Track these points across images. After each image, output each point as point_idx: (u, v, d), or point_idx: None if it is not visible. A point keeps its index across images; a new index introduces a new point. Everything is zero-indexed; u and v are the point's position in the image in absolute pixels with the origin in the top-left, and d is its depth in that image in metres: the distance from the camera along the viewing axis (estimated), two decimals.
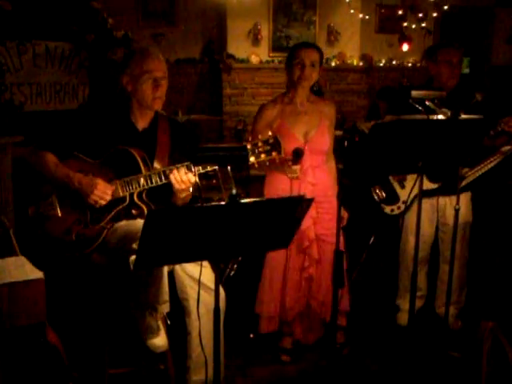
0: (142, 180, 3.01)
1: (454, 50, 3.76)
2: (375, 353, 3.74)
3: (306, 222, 3.43)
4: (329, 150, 3.57)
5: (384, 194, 3.96)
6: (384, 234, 4.37)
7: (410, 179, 3.84)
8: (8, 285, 2.19)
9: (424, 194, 3.41)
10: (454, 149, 2.82)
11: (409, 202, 3.81)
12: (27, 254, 2.56)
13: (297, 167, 3.28)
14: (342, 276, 3.06)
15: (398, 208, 3.93)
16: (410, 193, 3.55)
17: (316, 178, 3.48)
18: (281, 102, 3.56)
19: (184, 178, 2.91)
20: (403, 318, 3.95)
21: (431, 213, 3.88)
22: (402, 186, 3.92)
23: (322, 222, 3.52)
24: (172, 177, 2.93)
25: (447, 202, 3.85)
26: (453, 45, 3.82)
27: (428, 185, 3.70)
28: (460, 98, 3.51)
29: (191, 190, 3.03)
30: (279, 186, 3.53)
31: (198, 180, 2.85)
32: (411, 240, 3.81)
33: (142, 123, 3.20)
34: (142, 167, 3.04)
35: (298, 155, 3.22)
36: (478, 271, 4.58)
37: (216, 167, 2.46)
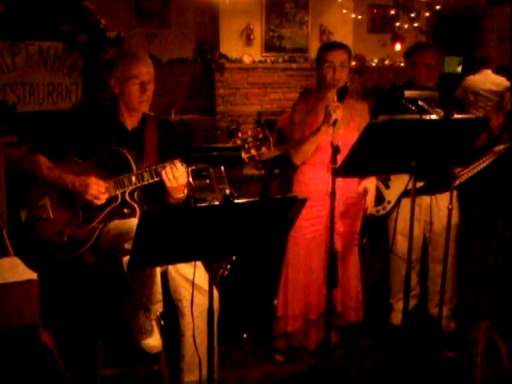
0: (133, 178, 3.01)
1: (431, 52, 3.78)
2: (369, 353, 3.74)
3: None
4: None
5: None
6: (375, 234, 4.37)
7: (394, 179, 3.85)
8: (1, 285, 2.18)
9: (408, 193, 3.43)
10: (448, 148, 2.83)
11: (393, 202, 3.84)
12: (20, 256, 2.55)
13: (340, 104, 3.23)
14: (336, 276, 3.06)
15: (384, 208, 3.94)
16: (401, 194, 3.56)
17: None
18: (313, 97, 3.58)
19: (176, 175, 2.92)
20: (397, 318, 3.95)
21: (417, 212, 3.87)
22: (387, 186, 3.93)
23: (347, 219, 3.51)
24: (163, 173, 2.94)
25: (433, 201, 3.84)
26: (430, 47, 3.84)
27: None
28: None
29: (186, 191, 3.04)
30: (309, 182, 3.53)
31: (191, 180, 2.85)
32: (399, 239, 3.82)
33: (130, 123, 3.21)
34: (134, 166, 3.04)
35: (343, 91, 3.24)
36: (470, 271, 4.59)
37: (210, 167, 2.47)
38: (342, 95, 3.25)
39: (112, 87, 3.14)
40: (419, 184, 3.72)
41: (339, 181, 3.42)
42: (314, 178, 3.51)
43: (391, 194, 3.89)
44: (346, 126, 3.45)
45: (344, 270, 3.59)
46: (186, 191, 3.05)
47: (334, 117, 3.20)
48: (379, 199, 3.94)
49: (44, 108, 4.76)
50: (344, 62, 3.44)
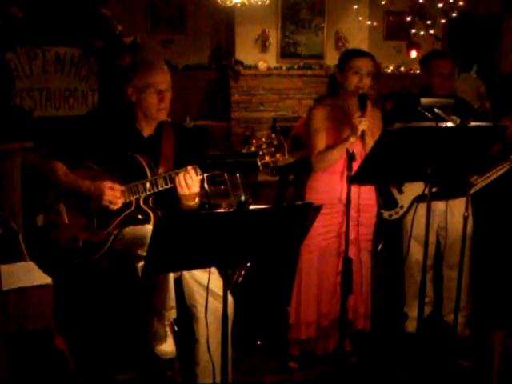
0: (147, 184, 3.01)
1: (446, 61, 3.78)
2: (383, 361, 3.72)
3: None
4: None
5: (382, 200, 3.95)
6: (391, 240, 4.35)
7: (408, 184, 3.84)
8: (17, 290, 2.20)
9: (422, 198, 3.41)
10: (464, 156, 2.82)
11: (406, 207, 3.82)
12: (35, 261, 2.57)
13: (364, 114, 3.22)
14: (351, 283, 3.05)
15: (397, 213, 3.93)
16: (414, 199, 3.52)
17: None
18: (331, 104, 3.52)
19: (189, 182, 2.90)
20: (412, 326, 3.93)
21: (431, 218, 3.84)
22: (400, 191, 3.91)
23: (359, 226, 3.49)
24: (176, 180, 2.93)
25: (447, 207, 3.82)
26: (445, 56, 3.84)
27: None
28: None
29: (197, 200, 3.02)
30: (322, 189, 3.51)
31: (206, 186, 2.85)
32: (413, 245, 3.79)
33: (147, 130, 3.20)
34: (148, 172, 3.04)
35: (363, 99, 3.23)
36: (486, 278, 4.56)
37: (225, 174, 2.46)
38: (364, 103, 3.23)
39: (129, 96, 3.12)
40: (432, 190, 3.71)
41: (352, 188, 3.41)
42: (327, 185, 3.49)
43: (404, 199, 3.88)
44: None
45: (356, 277, 3.57)
46: (197, 200, 3.03)
47: (360, 129, 3.20)
48: (392, 204, 3.93)
49: (60, 113, 4.79)
50: (370, 70, 3.42)
